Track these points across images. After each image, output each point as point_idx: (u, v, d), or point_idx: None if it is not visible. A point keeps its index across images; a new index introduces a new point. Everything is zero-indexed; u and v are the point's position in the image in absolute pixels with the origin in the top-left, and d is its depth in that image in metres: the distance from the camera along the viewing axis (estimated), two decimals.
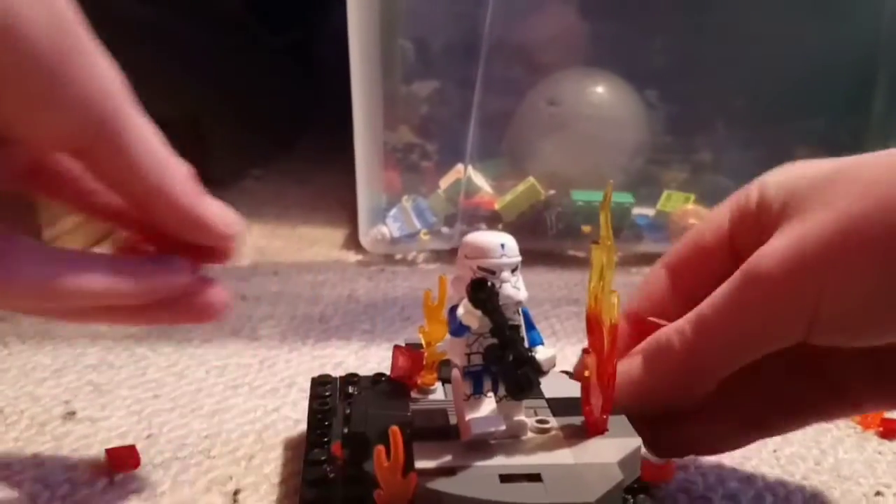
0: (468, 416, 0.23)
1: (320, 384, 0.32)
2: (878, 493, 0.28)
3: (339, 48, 0.54)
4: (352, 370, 0.39)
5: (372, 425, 0.24)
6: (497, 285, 0.22)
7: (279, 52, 0.98)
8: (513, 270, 0.23)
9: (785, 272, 0.22)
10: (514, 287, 0.22)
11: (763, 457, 0.31)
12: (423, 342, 0.27)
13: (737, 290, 0.23)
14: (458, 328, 0.22)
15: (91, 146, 0.22)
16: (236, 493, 0.28)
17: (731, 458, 0.31)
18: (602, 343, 0.23)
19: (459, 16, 0.60)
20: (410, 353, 0.27)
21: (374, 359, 0.40)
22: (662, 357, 0.24)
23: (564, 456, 0.22)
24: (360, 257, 0.58)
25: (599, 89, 0.61)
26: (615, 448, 0.23)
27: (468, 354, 0.23)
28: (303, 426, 0.31)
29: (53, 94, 0.20)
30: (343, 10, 0.52)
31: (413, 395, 0.27)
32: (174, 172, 0.24)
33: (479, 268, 0.22)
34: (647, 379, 0.25)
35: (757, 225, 0.25)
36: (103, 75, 0.21)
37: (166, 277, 0.24)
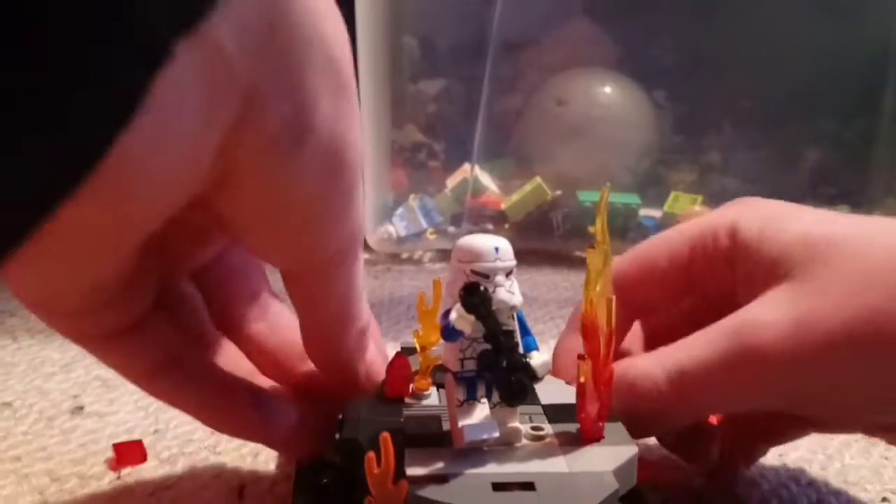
0: (461, 423, 0.22)
1: None
2: (884, 500, 0.28)
3: None
4: None
5: (364, 431, 0.23)
6: (491, 290, 0.22)
7: None
8: (507, 274, 0.22)
9: (789, 351, 0.21)
10: (509, 291, 0.22)
11: (768, 460, 0.31)
12: (416, 346, 0.27)
13: (728, 353, 0.22)
14: (450, 333, 0.22)
15: (303, 274, 0.21)
16: (242, 488, 0.28)
17: None
18: (598, 349, 0.23)
19: (467, 15, 0.60)
20: (400, 370, 0.26)
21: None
22: (634, 399, 0.24)
23: (558, 464, 0.22)
24: (366, 256, 0.58)
25: (607, 89, 0.61)
26: (611, 456, 0.22)
27: (461, 360, 0.22)
28: None
29: (324, 226, 0.20)
30: (351, 9, 0.52)
31: (407, 400, 0.26)
32: (352, 322, 0.23)
33: (473, 271, 0.22)
34: (619, 411, 0.24)
35: (727, 269, 0.25)
36: (359, 212, 0.21)
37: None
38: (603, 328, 0.23)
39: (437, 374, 0.26)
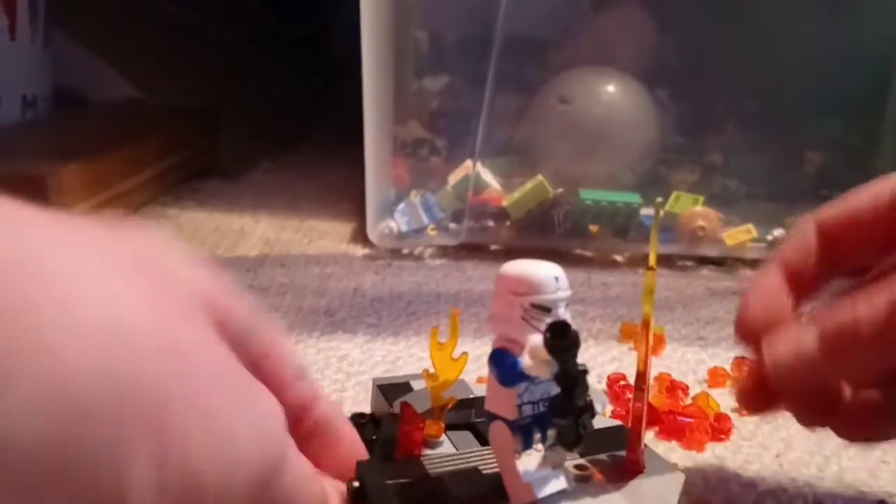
0: (526, 477, 0.20)
1: None
2: (881, 502, 0.28)
3: (352, 41, 0.54)
4: (357, 364, 0.39)
5: (399, 499, 0.21)
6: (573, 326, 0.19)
7: (292, 45, 0.98)
8: (566, 305, 0.20)
9: None
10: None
11: (765, 461, 0.31)
12: (427, 384, 0.24)
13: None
14: (516, 377, 0.19)
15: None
16: None
17: (733, 462, 0.31)
18: (648, 375, 0.21)
19: (472, 11, 0.60)
20: (413, 430, 0.23)
21: (378, 353, 0.40)
22: (848, 342, 0.22)
23: None
24: (367, 251, 0.58)
25: (610, 88, 0.61)
26: (665, 487, 0.21)
27: (519, 406, 0.20)
28: None
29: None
30: (356, 3, 0.52)
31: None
32: None
33: (533, 305, 0.19)
34: (826, 362, 0.22)
35: None
36: (258, 434, 0.17)
37: None
38: (643, 353, 0.21)
39: (449, 414, 0.24)
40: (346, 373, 0.38)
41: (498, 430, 0.20)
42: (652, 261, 0.22)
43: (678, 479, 0.22)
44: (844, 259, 0.26)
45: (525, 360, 0.19)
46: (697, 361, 0.41)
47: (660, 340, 0.42)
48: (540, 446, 0.20)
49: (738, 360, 0.39)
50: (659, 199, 0.23)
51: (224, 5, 0.86)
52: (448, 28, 0.61)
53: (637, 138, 0.61)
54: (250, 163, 0.83)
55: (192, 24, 0.83)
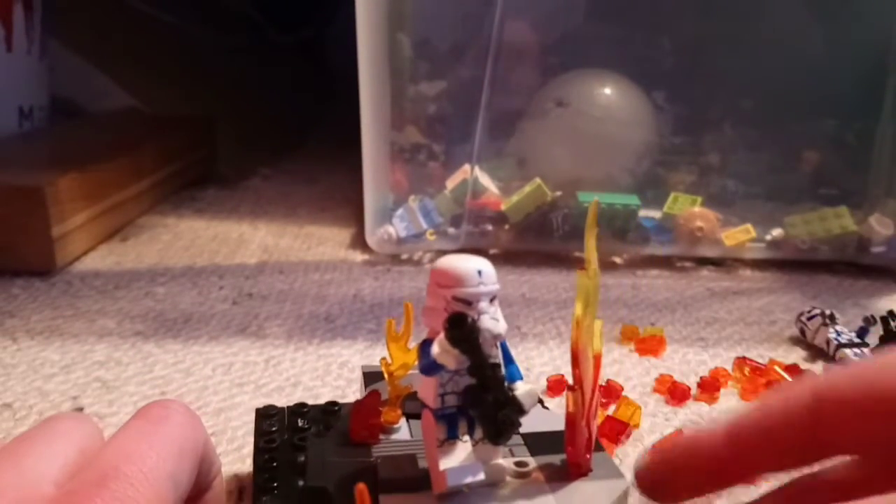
0: (443, 466, 0.20)
1: (265, 416, 0.28)
2: None
3: (348, 48, 0.55)
4: (357, 370, 0.39)
5: (332, 477, 0.21)
6: (474, 317, 0.20)
7: (289, 53, 0.98)
8: (491, 300, 0.20)
9: None
10: (493, 318, 0.20)
11: None
12: (384, 372, 0.25)
13: None
14: (431, 366, 0.20)
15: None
16: (241, 491, 0.28)
17: None
18: (588, 377, 0.21)
19: (467, 16, 0.60)
20: (366, 416, 0.24)
21: (379, 358, 0.40)
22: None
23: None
24: (366, 257, 0.58)
25: (607, 90, 0.61)
26: (603, 492, 0.21)
27: (441, 395, 0.20)
28: None
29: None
30: (351, 10, 0.52)
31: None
32: None
33: (455, 298, 0.20)
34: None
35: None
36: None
37: None
38: (589, 353, 0.21)
39: (408, 403, 0.25)
40: (346, 379, 0.38)
41: (424, 419, 0.21)
42: (588, 260, 0.21)
43: (620, 486, 0.21)
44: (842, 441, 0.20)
45: (434, 350, 0.20)
46: (699, 362, 0.41)
47: (660, 342, 0.42)
48: (467, 438, 0.21)
49: (739, 360, 0.39)
50: (595, 199, 0.22)
51: (220, 15, 0.86)
52: (443, 33, 0.61)
53: (634, 140, 0.62)
54: (248, 170, 0.83)
55: (189, 34, 0.83)
